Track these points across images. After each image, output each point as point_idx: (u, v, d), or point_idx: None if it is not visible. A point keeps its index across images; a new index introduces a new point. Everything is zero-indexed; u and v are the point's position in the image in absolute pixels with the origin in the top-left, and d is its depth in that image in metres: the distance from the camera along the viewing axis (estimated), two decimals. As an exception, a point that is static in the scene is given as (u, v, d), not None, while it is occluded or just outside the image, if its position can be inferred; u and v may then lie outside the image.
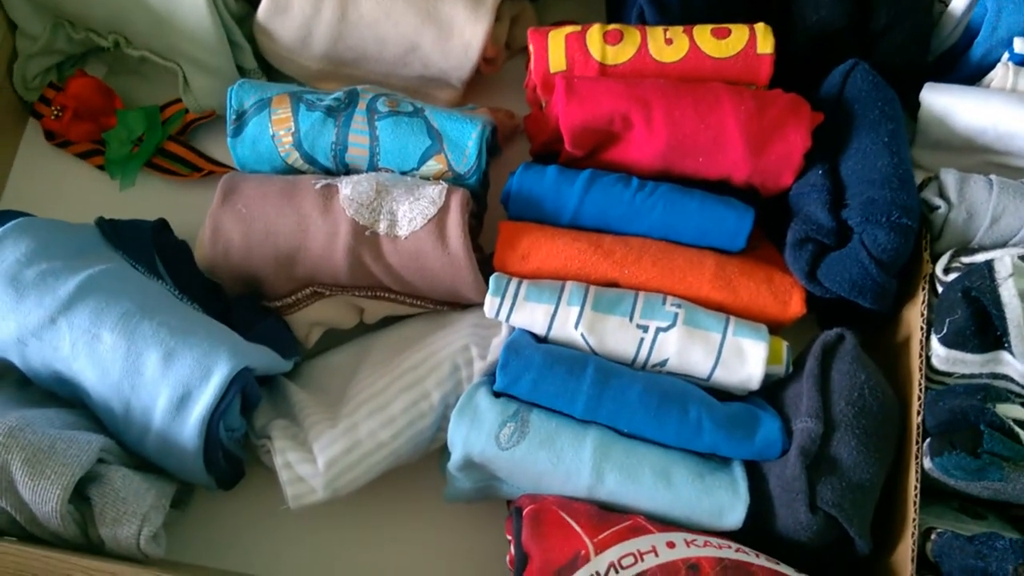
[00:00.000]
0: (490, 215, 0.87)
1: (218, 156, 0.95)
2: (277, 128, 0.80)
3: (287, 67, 0.92)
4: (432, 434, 0.77)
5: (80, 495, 0.69)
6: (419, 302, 0.81)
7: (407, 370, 0.77)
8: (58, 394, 0.76)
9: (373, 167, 0.81)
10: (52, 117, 0.94)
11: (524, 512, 0.70)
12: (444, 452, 0.79)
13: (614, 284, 0.77)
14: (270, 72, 0.95)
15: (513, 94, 0.96)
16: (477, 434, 0.72)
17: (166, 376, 0.70)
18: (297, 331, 0.83)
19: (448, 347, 0.78)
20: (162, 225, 0.86)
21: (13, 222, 0.76)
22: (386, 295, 0.81)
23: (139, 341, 0.71)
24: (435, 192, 0.77)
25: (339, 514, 0.83)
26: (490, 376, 0.76)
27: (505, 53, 0.95)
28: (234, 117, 0.81)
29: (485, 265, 0.80)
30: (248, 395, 0.74)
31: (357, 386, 0.78)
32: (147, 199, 0.94)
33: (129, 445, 0.74)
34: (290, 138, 0.80)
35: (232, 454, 0.77)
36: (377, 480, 0.77)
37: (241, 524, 0.83)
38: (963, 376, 0.72)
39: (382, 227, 0.76)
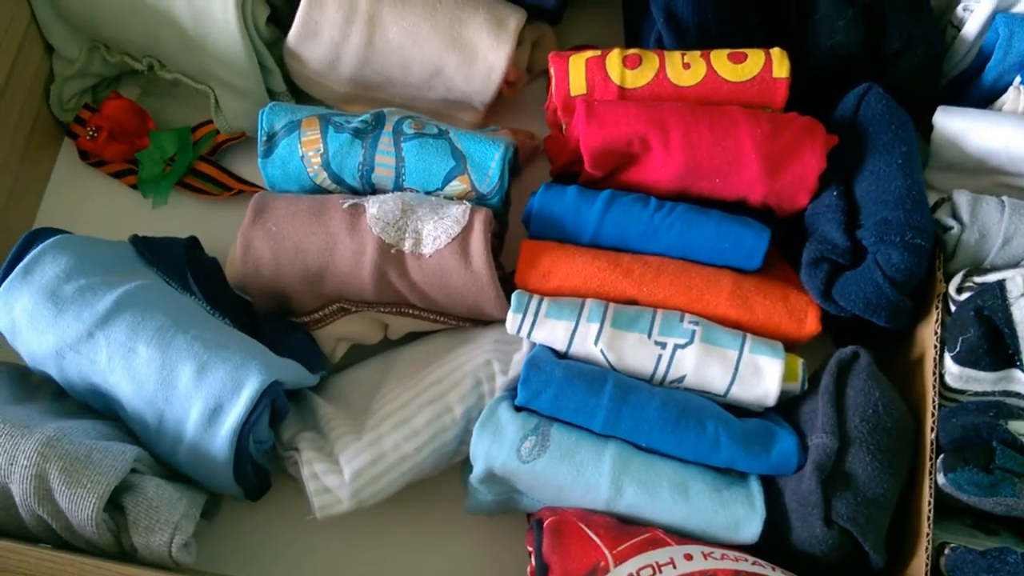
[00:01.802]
0: (510, 233, 0.89)
1: (247, 176, 0.98)
2: (306, 149, 0.83)
3: (315, 90, 0.95)
4: (455, 447, 0.79)
5: (114, 504, 0.71)
6: (442, 318, 0.83)
7: (430, 385, 0.79)
8: (93, 405, 0.78)
9: (398, 187, 0.84)
10: (87, 138, 0.97)
11: (545, 524, 0.71)
12: (465, 465, 0.81)
13: (633, 302, 0.79)
14: (298, 95, 0.98)
15: (533, 115, 0.99)
16: (499, 447, 0.74)
17: (199, 388, 0.72)
18: (324, 346, 0.85)
19: (470, 362, 0.80)
20: (193, 242, 0.88)
21: (52, 239, 0.78)
22: (410, 311, 0.83)
23: (173, 354, 0.73)
24: (459, 212, 0.79)
25: (363, 524, 0.84)
26: (511, 391, 0.78)
27: (526, 76, 0.97)
28: (265, 139, 0.83)
29: (506, 282, 0.82)
30: (277, 408, 0.76)
31: (382, 400, 0.80)
32: (178, 217, 0.97)
33: (161, 456, 0.76)
34: (319, 159, 0.83)
35: (260, 465, 0.79)
36: (400, 492, 0.79)
37: (267, 534, 0.85)
38: (976, 393, 0.73)
39: (407, 245, 0.78)
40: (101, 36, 0.96)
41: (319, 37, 0.89)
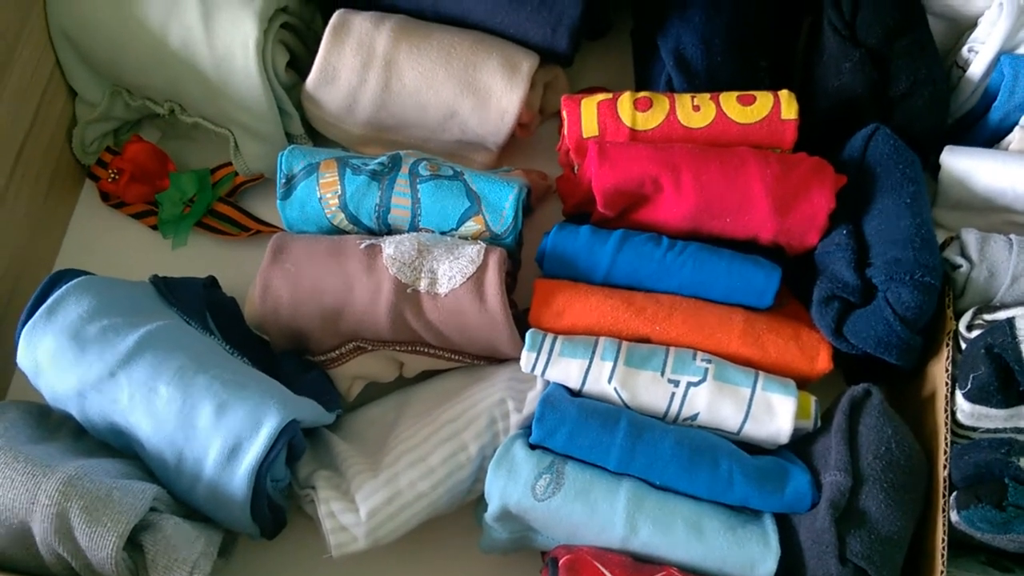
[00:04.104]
0: (523, 271, 0.90)
1: (265, 216, 0.99)
2: (324, 191, 0.84)
3: (332, 132, 0.97)
4: (470, 485, 0.80)
5: (133, 543, 0.71)
6: (457, 356, 0.84)
7: (445, 423, 0.80)
8: (112, 444, 0.79)
9: (414, 227, 0.85)
10: (109, 180, 0.99)
11: (560, 563, 0.71)
12: (479, 503, 0.81)
13: (646, 340, 0.80)
14: (315, 136, 1.00)
15: (545, 155, 1.00)
16: (514, 485, 0.74)
17: (218, 428, 0.73)
18: (339, 384, 0.86)
19: (485, 400, 0.81)
20: (212, 282, 0.90)
21: (75, 280, 0.79)
22: (425, 350, 0.84)
23: (194, 394, 0.74)
24: (474, 251, 0.80)
25: (378, 562, 0.84)
26: (526, 428, 0.79)
27: (538, 117, 0.98)
28: (284, 181, 0.85)
29: (519, 320, 0.83)
30: (294, 446, 0.77)
31: (397, 438, 0.81)
32: (197, 257, 0.99)
33: (178, 494, 0.77)
34: (336, 200, 0.84)
35: (276, 503, 0.80)
36: (415, 530, 0.79)
37: (283, 571, 0.85)
38: (988, 430, 0.73)
39: (423, 285, 0.79)
40: (124, 81, 0.98)
41: (337, 82, 0.91)
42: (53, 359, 0.76)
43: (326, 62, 0.90)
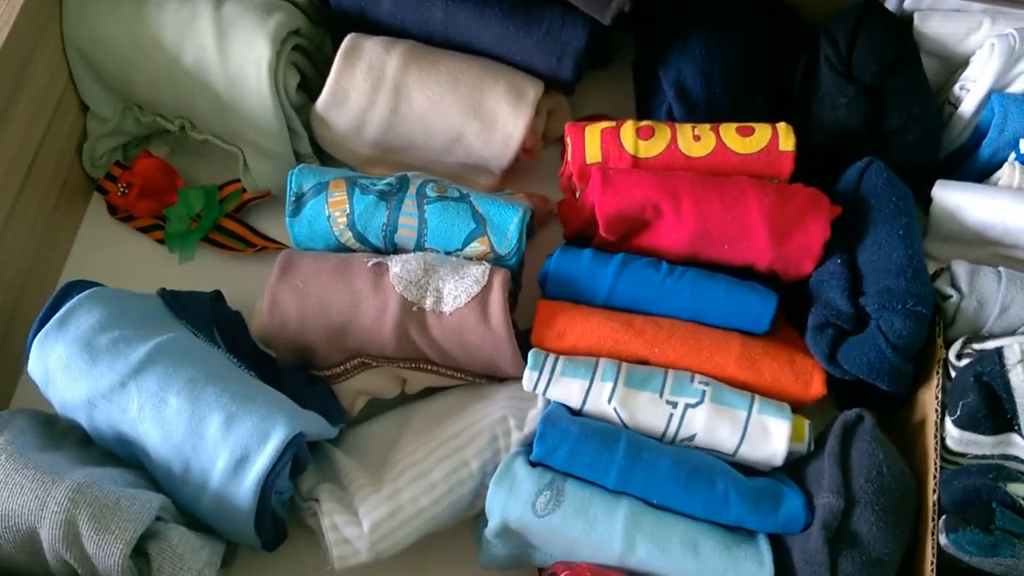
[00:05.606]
0: (523, 291, 0.92)
1: (270, 232, 1.01)
2: (333, 210, 0.86)
3: (339, 152, 0.99)
4: (470, 501, 0.81)
5: (138, 551, 0.72)
6: (459, 374, 0.86)
7: (447, 439, 0.82)
8: (117, 454, 0.80)
9: (420, 247, 0.87)
10: (118, 194, 1.01)
11: (559, 577, 0.73)
12: (479, 518, 0.83)
13: (644, 362, 0.82)
14: (322, 156, 1.02)
15: (547, 179, 1.02)
16: (515, 502, 0.76)
17: (227, 438, 0.74)
18: (343, 399, 0.87)
19: (487, 418, 0.83)
20: (217, 296, 0.91)
21: (87, 291, 0.81)
22: (428, 367, 0.85)
23: (203, 405, 0.75)
24: (479, 272, 0.82)
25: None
26: (527, 446, 0.80)
27: (541, 143, 1.01)
28: (294, 199, 0.87)
29: (520, 340, 0.84)
30: (299, 459, 0.78)
31: (400, 453, 0.82)
32: (202, 271, 1.00)
33: (183, 504, 0.78)
34: (344, 219, 0.86)
35: (278, 516, 0.81)
36: (416, 544, 0.81)
37: (282, 585, 0.87)
38: (976, 456, 0.75)
39: (428, 303, 0.81)
40: (136, 98, 1.00)
41: (347, 104, 0.93)
42: (65, 368, 0.77)
43: (337, 84, 0.93)
